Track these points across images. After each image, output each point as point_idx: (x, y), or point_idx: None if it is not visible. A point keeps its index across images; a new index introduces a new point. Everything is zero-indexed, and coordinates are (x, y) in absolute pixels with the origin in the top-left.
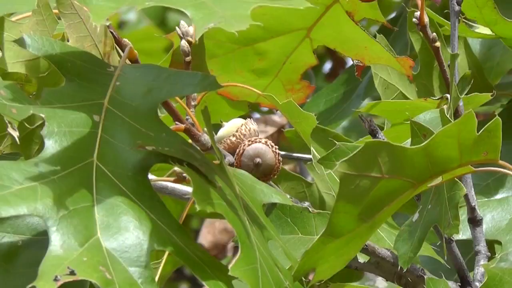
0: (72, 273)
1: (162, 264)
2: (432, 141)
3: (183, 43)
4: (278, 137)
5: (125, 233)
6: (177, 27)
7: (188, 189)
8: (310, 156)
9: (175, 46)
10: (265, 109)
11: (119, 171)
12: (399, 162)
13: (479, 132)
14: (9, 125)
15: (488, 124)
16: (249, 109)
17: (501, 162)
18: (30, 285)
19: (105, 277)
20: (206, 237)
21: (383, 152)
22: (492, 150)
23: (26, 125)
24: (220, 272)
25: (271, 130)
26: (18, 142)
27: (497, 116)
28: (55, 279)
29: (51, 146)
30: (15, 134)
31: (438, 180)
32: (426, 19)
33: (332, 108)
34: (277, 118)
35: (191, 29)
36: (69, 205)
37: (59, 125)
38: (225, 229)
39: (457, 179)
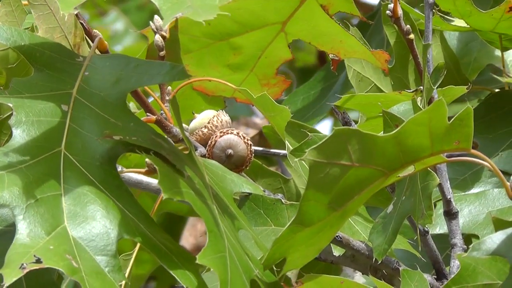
0: (38, 261)
1: (133, 257)
2: (402, 129)
3: (157, 37)
4: (260, 140)
5: (92, 222)
6: (151, 22)
7: None
8: (285, 152)
9: (149, 41)
10: None
11: (86, 161)
12: (370, 150)
13: (451, 121)
14: None
15: (459, 112)
16: (225, 105)
17: (473, 151)
18: None
19: (71, 265)
20: (188, 240)
21: (353, 140)
22: (464, 139)
23: None
24: (188, 262)
25: (252, 132)
26: None
27: (468, 105)
28: (21, 267)
29: (19, 135)
30: None
31: (411, 169)
32: (400, 12)
33: (309, 105)
34: (258, 120)
35: None
36: (36, 194)
37: (27, 114)
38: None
39: (430, 169)
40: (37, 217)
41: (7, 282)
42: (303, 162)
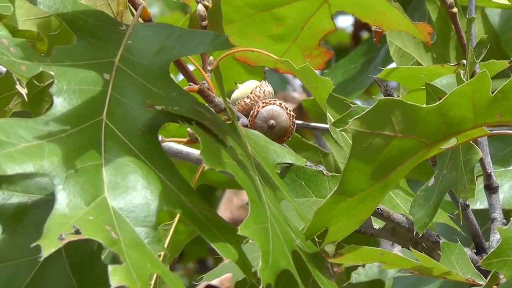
0: (77, 232)
1: (172, 227)
2: (445, 101)
3: (200, 7)
4: (298, 114)
5: (133, 193)
6: None
7: None
8: (327, 126)
9: (192, 11)
10: None
11: (128, 130)
12: (413, 121)
13: (494, 93)
14: (17, 83)
15: (502, 85)
16: (265, 76)
17: None
18: (34, 244)
19: (110, 236)
20: (224, 214)
21: (397, 111)
22: (507, 112)
23: (36, 82)
24: (228, 233)
25: (290, 106)
26: (26, 100)
27: None
28: (60, 238)
29: (60, 104)
30: (24, 91)
31: (453, 142)
32: None
33: (350, 79)
34: (296, 94)
35: None
36: (76, 163)
37: (68, 83)
38: (242, 206)
39: (472, 143)
40: (77, 187)
41: (45, 253)
42: (344, 134)
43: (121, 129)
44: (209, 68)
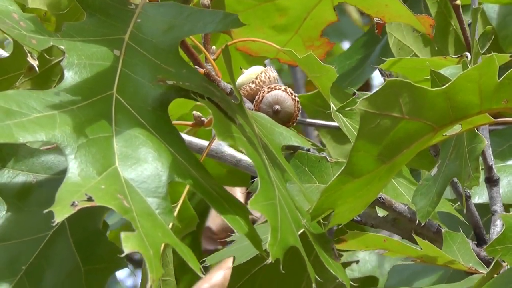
0: (89, 199)
1: (178, 206)
2: (452, 85)
3: None
4: None
5: (144, 164)
6: None
7: (205, 142)
8: (323, 122)
9: (195, 1)
10: None
11: (138, 105)
12: (420, 104)
13: (500, 79)
14: (28, 55)
15: (509, 71)
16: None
17: None
18: (47, 210)
19: (123, 205)
20: (214, 221)
21: (404, 93)
22: None
23: (46, 56)
24: (238, 208)
25: None
26: (38, 71)
27: None
28: (73, 205)
29: (71, 77)
30: (35, 63)
31: (457, 129)
32: None
33: (345, 74)
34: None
35: None
36: (88, 134)
37: (79, 57)
38: None
39: (477, 131)
40: (88, 157)
41: (58, 219)
42: (347, 122)
43: (131, 104)
44: (212, 57)
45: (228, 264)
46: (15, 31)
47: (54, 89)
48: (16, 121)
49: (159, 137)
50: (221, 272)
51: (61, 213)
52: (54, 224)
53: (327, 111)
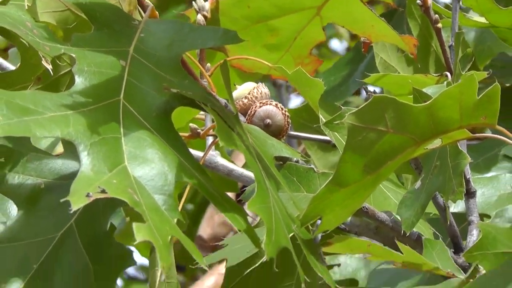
0: (103, 191)
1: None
2: (435, 101)
3: (199, 17)
4: None
5: (151, 164)
6: (193, 2)
7: (199, 153)
8: (308, 135)
9: (191, 21)
10: None
11: (144, 111)
12: (405, 119)
13: (479, 97)
14: (43, 59)
15: (487, 89)
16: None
17: (498, 127)
18: (63, 199)
19: (134, 198)
20: (205, 230)
21: (390, 108)
22: (491, 115)
23: (58, 62)
24: (237, 209)
25: None
26: (52, 74)
27: (496, 82)
28: (87, 195)
29: (81, 82)
30: (49, 67)
31: (437, 143)
32: (429, 1)
33: (334, 87)
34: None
35: (206, 5)
36: (99, 133)
37: (88, 64)
38: (223, 222)
39: (461, 149)
40: (100, 155)
41: (75, 207)
42: (336, 134)
43: (138, 110)
44: (207, 73)
45: (219, 269)
46: (30, 37)
47: (66, 92)
48: (33, 117)
49: (164, 141)
50: (213, 278)
51: (77, 202)
52: (71, 212)
53: (315, 125)
